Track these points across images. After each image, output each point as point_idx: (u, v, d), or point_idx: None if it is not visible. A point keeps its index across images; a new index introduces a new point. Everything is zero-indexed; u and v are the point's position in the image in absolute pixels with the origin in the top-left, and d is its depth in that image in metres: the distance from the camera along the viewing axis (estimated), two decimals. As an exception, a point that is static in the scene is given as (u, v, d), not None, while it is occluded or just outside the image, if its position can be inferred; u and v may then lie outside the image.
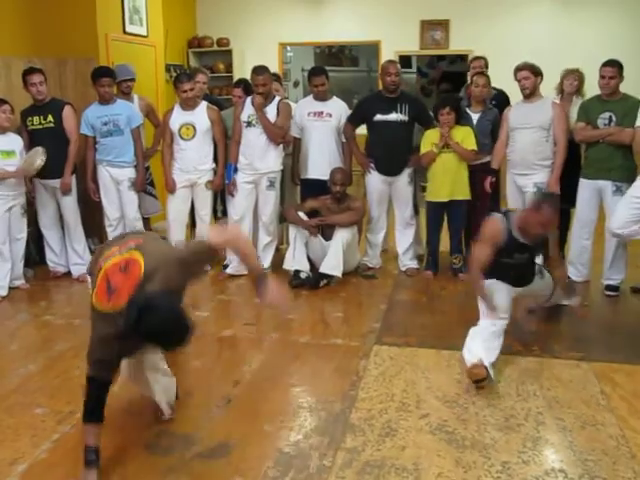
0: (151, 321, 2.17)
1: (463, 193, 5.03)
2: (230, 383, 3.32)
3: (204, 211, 5.30)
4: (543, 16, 8.09)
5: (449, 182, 4.98)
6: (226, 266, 5.31)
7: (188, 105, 5.09)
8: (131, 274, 2.36)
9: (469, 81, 5.61)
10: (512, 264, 3.60)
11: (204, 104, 5.18)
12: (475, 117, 5.16)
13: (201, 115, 5.11)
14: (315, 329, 4.12)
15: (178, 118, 5.11)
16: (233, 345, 3.96)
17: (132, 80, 5.49)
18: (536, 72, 4.80)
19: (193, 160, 5.14)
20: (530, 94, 4.80)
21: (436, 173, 5.03)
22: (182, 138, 5.11)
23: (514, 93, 5.25)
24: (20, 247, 4.99)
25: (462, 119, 5.02)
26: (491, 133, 5.10)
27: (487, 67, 5.64)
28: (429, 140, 4.98)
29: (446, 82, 8.15)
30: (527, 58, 4.92)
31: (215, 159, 5.21)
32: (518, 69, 4.82)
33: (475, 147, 4.95)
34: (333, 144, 5.27)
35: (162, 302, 2.23)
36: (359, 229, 5.23)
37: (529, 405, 3.06)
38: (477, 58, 5.71)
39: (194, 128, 5.09)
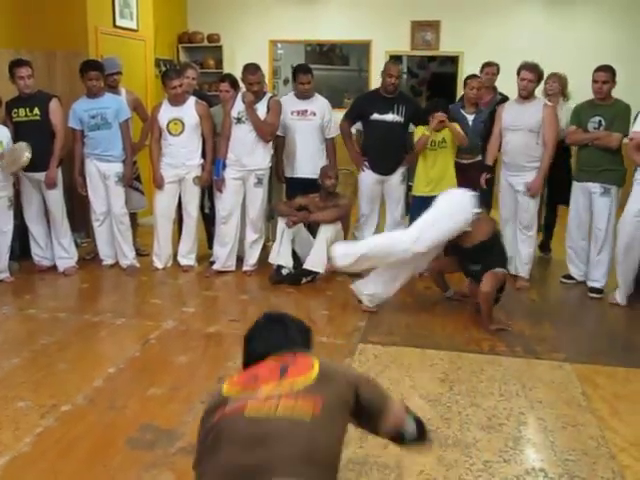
0: None
1: (449, 185, 5.05)
2: (215, 379, 3.31)
3: (191, 206, 5.29)
4: (534, 18, 8.14)
5: (438, 177, 5.01)
6: (212, 262, 5.30)
7: (177, 101, 5.08)
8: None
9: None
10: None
11: (193, 99, 5.17)
12: (470, 118, 5.23)
13: (190, 110, 5.11)
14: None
15: (166, 113, 5.10)
16: (218, 341, 3.96)
17: (119, 73, 5.46)
18: (539, 77, 4.83)
19: (181, 155, 5.14)
20: (526, 96, 4.83)
21: (423, 168, 5.04)
22: (170, 133, 5.10)
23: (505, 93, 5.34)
24: (5, 240, 4.95)
25: (452, 120, 5.05)
26: (483, 133, 5.15)
27: (498, 73, 5.68)
28: (420, 131, 5.00)
29: (431, 89, 8.20)
30: (517, 60, 4.95)
31: (203, 155, 5.21)
32: (523, 67, 4.81)
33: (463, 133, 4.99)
34: (317, 143, 5.29)
35: None
36: (346, 227, 5.24)
37: (511, 405, 3.09)
38: (489, 64, 5.72)
39: (182, 123, 5.09)
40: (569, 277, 5.09)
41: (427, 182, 5.04)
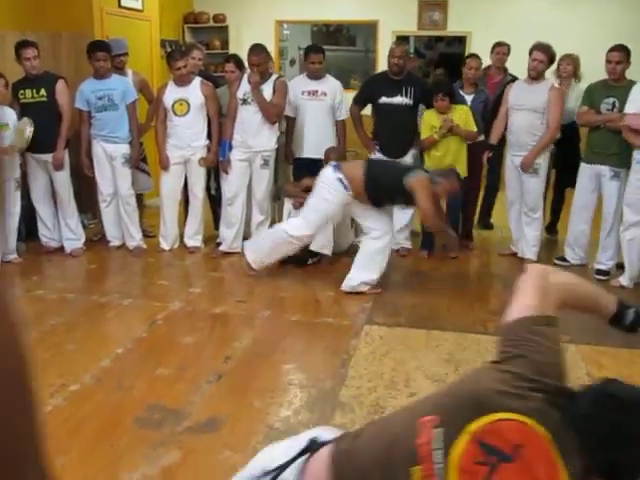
0: None
1: (461, 172, 5.04)
2: (221, 359, 3.34)
3: (197, 188, 5.30)
4: (542, -1, 8.06)
5: (449, 161, 5.00)
6: (219, 243, 5.32)
7: (182, 81, 5.07)
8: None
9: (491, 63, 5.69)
10: None
11: (198, 80, 5.16)
12: (468, 99, 5.21)
13: (195, 91, 5.09)
14: (307, 308, 4.15)
15: (172, 94, 5.09)
16: (225, 322, 3.98)
17: (125, 55, 5.45)
18: (550, 58, 4.81)
19: (187, 136, 5.13)
20: (535, 77, 4.81)
21: (436, 152, 5.03)
22: (175, 114, 5.10)
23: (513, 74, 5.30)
24: (14, 221, 4.97)
25: (456, 98, 5.03)
26: (482, 114, 5.14)
27: (509, 53, 5.64)
28: (428, 124, 4.98)
29: (442, 67, 8.14)
30: (525, 41, 4.93)
31: (209, 136, 5.20)
32: (536, 48, 4.79)
33: (475, 128, 4.98)
34: (328, 123, 5.27)
35: None
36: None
37: (516, 386, 3.10)
38: (500, 44, 5.68)
39: (188, 104, 5.08)
40: (563, 259, 5.08)
41: (436, 165, 5.02)
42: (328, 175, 4.25)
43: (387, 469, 1.26)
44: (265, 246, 4.51)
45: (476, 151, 5.12)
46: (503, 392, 1.24)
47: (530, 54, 4.80)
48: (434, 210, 4.14)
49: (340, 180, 4.17)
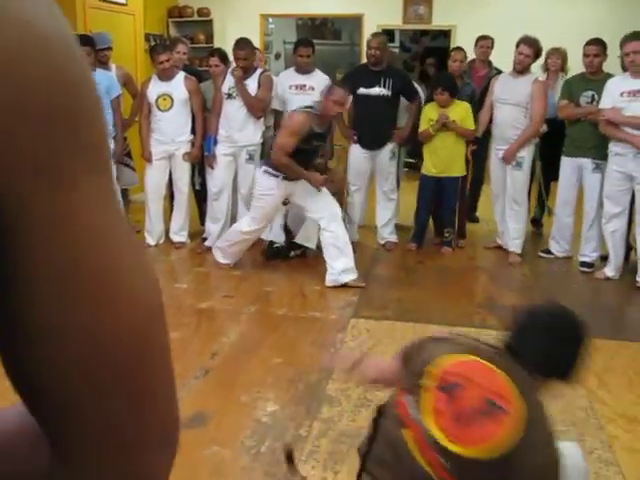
0: None
1: (459, 169, 5.06)
2: (208, 355, 3.34)
3: (182, 182, 5.28)
4: (526, -8, 8.08)
5: (445, 158, 5.01)
6: (205, 239, 5.30)
7: (165, 76, 5.04)
8: None
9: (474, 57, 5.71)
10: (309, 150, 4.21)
11: (182, 74, 5.12)
12: None
13: (178, 86, 5.06)
14: (293, 302, 4.15)
15: (155, 88, 5.06)
16: (211, 317, 3.97)
17: (109, 49, 5.40)
18: (537, 52, 4.81)
19: (170, 131, 5.10)
20: (521, 70, 4.81)
21: (433, 148, 5.04)
22: (159, 109, 5.07)
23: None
24: None
25: (457, 93, 5.03)
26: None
27: (492, 47, 5.66)
28: (427, 116, 4.98)
29: (431, 57, 8.13)
30: (511, 35, 4.94)
31: (193, 130, 5.18)
32: (522, 41, 4.77)
33: (473, 126, 4.98)
34: None
35: None
36: (340, 203, 5.23)
37: (502, 378, 3.12)
38: (483, 38, 5.70)
39: (171, 99, 5.05)
40: (548, 252, 5.12)
41: (436, 162, 5.04)
42: (257, 176, 4.50)
43: (389, 438, 1.53)
44: (229, 248, 4.69)
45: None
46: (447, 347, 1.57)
47: (517, 47, 4.80)
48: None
49: (266, 172, 4.35)
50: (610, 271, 4.61)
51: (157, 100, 5.05)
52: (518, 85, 4.80)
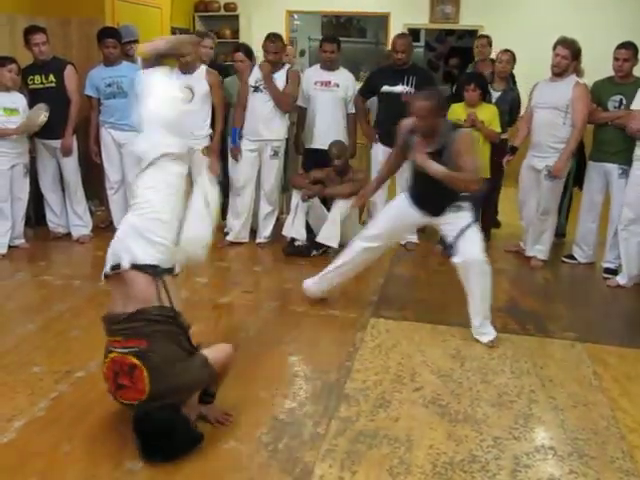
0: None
1: (483, 171, 5.00)
2: (227, 349, 3.33)
3: (201, 178, 5.27)
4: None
5: None
6: (226, 233, 5.31)
7: (187, 69, 5.04)
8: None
9: (475, 58, 5.60)
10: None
11: (203, 68, 5.12)
12: (495, 95, 5.14)
13: (200, 79, 5.05)
14: (313, 299, 4.13)
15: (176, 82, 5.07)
16: (230, 312, 3.98)
17: (135, 42, 5.42)
18: (575, 54, 4.61)
19: (190, 125, 5.10)
20: (559, 74, 4.62)
21: None
22: None
23: (520, 72, 5.23)
24: (21, 206, 4.98)
25: (488, 96, 4.98)
26: (508, 114, 5.08)
27: (490, 45, 5.60)
28: (455, 115, 4.94)
29: (456, 57, 8.08)
30: (537, 37, 4.88)
31: (212, 125, 5.18)
32: (559, 43, 4.59)
33: (499, 129, 4.91)
34: (339, 114, 5.24)
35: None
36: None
37: (522, 383, 3.09)
38: (481, 36, 5.67)
39: (192, 92, 5.05)
40: (571, 257, 5.06)
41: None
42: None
43: None
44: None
45: (498, 152, 5.01)
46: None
47: (553, 49, 4.62)
48: None
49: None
50: (622, 279, 4.54)
51: None
52: (557, 88, 4.62)
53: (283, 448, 2.48)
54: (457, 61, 7.25)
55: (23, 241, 5.03)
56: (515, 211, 5.39)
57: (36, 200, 5.30)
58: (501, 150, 5.04)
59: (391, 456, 2.46)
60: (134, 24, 5.65)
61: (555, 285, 4.74)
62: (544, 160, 4.73)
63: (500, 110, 5.00)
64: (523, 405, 2.88)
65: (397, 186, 5.39)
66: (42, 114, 4.77)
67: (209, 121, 5.14)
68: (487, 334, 3.54)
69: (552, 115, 4.64)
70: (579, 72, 5.41)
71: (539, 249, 4.97)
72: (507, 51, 5.28)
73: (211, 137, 5.13)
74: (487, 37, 5.62)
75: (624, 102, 4.58)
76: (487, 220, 5.46)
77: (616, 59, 4.57)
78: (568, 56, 4.56)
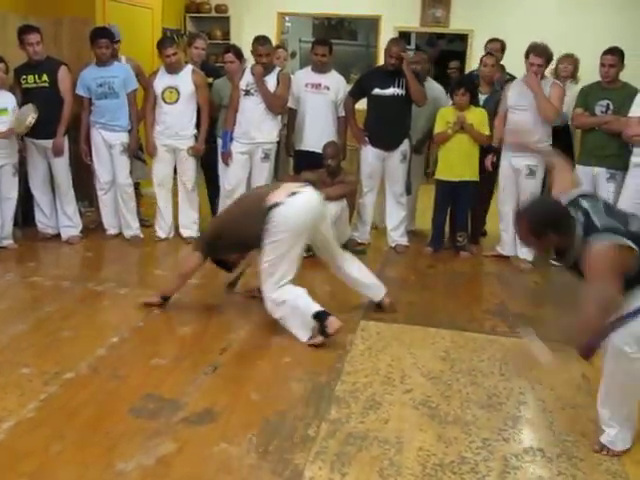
0: None
1: (473, 174, 5.05)
2: (217, 351, 3.34)
3: (186, 177, 5.29)
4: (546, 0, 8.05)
5: (461, 162, 5.00)
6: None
7: (173, 69, 5.04)
8: None
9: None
10: None
11: (189, 68, 5.13)
12: (482, 98, 5.18)
13: (185, 79, 5.07)
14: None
15: (162, 81, 5.08)
16: (221, 313, 3.97)
17: (118, 42, 5.40)
18: (547, 59, 4.74)
19: (175, 125, 5.11)
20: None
21: (448, 152, 5.03)
22: (165, 102, 5.09)
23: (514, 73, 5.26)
24: (10, 207, 4.96)
25: (476, 100, 5.02)
26: (494, 115, 5.12)
27: (503, 51, 5.61)
28: (444, 119, 4.98)
29: (456, 60, 8.03)
30: (527, 41, 4.89)
31: (198, 125, 5.18)
32: (531, 51, 4.71)
33: (488, 132, 4.96)
34: (329, 117, 5.26)
35: None
36: (352, 205, 5.23)
37: (511, 385, 3.11)
38: (493, 40, 5.66)
39: (178, 92, 5.06)
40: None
41: (448, 166, 5.03)
42: None
43: None
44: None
45: (482, 153, 5.07)
46: None
47: (526, 57, 4.73)
48: None
49: None
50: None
51: (163, 93, 5.08)
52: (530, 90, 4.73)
53: (273, 450, 2.48)
54: (456, 64, 7.22)
55: (11, 242, 5.00)
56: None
57: (24, 201, 5.28)
58: (485, 152, 5.10)
59: (381, 458, 2.46)
60: (125, 25, 5.65)
61: (544, 288, 4.77)
62: (524, 159, 4.80)
63: (487, 111, 5.07)
64: (512, 407, 2.90)
65: (387, 193, 5.42)
66: (30, 116, 4.74)
67: (194, 121, 5.16)
68: None
69: (530, 116, 4.73)
70: (575, 78, 5.46)
71: (524, 250, 4.99)
72: (492, 55, 5.32)
73: (196, 137, 5.14)
74: (501, 42, 5.60)
75: (611, 107, 4.63)
76: (476, 227, 5.49)
77: (602, 65, 4.63)
78: (542, 64, 4.70)
